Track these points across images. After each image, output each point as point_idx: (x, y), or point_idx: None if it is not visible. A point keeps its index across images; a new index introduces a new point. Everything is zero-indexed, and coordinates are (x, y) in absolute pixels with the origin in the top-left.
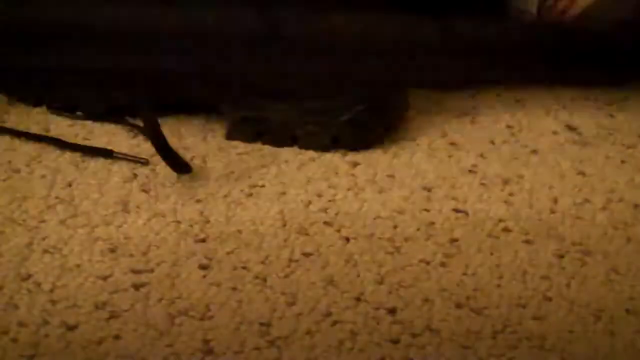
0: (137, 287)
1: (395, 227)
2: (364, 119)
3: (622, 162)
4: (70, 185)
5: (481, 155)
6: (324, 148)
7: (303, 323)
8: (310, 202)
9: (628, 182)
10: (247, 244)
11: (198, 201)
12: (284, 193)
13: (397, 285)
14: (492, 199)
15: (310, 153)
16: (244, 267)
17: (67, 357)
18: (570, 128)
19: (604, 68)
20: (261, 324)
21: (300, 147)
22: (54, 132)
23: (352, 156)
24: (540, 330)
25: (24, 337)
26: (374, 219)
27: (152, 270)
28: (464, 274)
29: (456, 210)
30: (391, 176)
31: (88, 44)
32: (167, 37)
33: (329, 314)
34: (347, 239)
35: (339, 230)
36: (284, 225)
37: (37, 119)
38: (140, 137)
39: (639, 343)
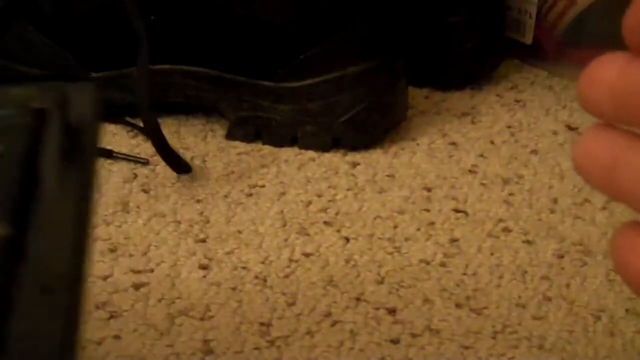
0: (137, 287)
1: (395, 227)
2: (364, 119)
3: None
4: None
5: (481, 155)
6: (324, 148)
7: (303, 323)
8: (310, 202)
9: None
10: (247, 244)
11: (198, 201)
12: (284, 193)
13: (397, 285)
14: (492, 199)
15: (310, 153)
16: (244, 267)
17: None
18: (570, 128)
19: None
20: (261, 324)
21: (300, 147)
22: None
23: (352, 156)
24: (540, 330)
25: None
26: (374, 219)
27: (152, 270)
28: (464, 274)
29: (456, 210)
30: (391, 176)
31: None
32: None
33: (329, 314)
34: (347, 239)
35: (339, 230)
36: (284, 225)
37: None
38: (140, 137)
39: (639, 343)
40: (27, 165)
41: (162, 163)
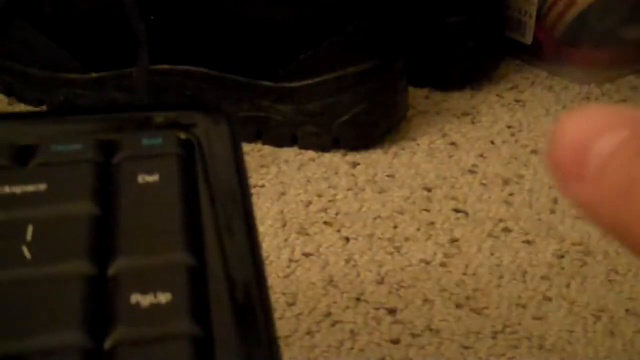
0: None
1: (395, 227)
2: (364, 119)
3: None
4: None
5: (481, 155)
6: (324, 148)
7: (303, 323)
8: (310, 202)
9: None
10: None
11: None
12: (284, 193)
13: (397, 285)
14: (492, 199)
15: (310, 153)
16: None
17: None
18: None
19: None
20: None
21: (300, 147)
22: None
23: (352, 156)
24: (540, 330)
25: None
26: (374, 219)
27: None
28: (464, 274)
29: (456, 210)
30: (391, 176)
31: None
32: None
33: (329, 314)
34: (347, 239)
35: (339, 230)
36: (284, 225)
37: None
38: None
39: (639, 343)
40: (188, 195)
41: None
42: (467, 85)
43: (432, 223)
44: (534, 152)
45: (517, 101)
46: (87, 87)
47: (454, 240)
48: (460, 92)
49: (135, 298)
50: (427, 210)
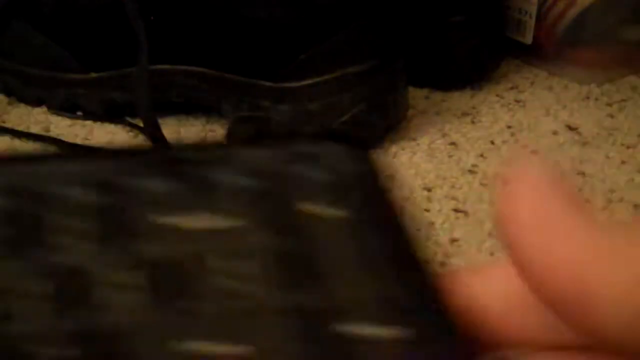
0: None
1: None
2: (364, 119)
3: (622, 162)
4: None
5: (481, 155)
6: None
7: None
8: None
9: (628, 182)
10: None
11: None
12: None
13: None
14: (492, 199)
15: None
16: None
17: None
18: (570, 128)
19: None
20: None
21: None
22: (54, 132)
23: None
24: None
25: None
26: None
27: None
28: None
29: (456, 210)
30: (391, 176)
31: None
32: None
33: None
34: None
35: None
36: None
37: (37, 119)
38: (140, 137)
39: None
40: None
41: None
42: (467, 85)
43: (432, 223)
44: (534, 152)
45: (517, 101)
46: (87, 87)
47: (454, 240)
48: (460, 92)
49: None
50: (427, 210)
